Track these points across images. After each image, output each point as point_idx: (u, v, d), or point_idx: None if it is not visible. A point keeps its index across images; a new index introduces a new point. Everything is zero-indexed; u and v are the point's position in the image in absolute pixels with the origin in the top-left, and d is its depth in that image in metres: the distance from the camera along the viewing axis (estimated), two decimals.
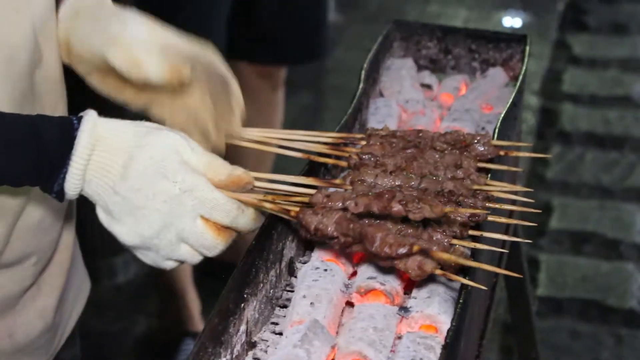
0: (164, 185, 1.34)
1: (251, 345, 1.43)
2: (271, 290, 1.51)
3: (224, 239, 1.39)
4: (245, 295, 1.41)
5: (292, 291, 1.54)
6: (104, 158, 1.34)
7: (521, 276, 1.36)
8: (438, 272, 1.37)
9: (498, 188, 1.58)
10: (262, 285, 1.47)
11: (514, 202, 1.72)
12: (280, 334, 1.45)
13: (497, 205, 1.54)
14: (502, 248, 2.00)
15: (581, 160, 4.70)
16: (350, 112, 1.84)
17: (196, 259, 1.40)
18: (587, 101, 5.18)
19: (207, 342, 1.29)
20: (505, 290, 2.58)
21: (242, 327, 1.40)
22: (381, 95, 2.11)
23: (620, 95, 5.23)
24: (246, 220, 1.40)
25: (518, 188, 1.63)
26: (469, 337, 1.56)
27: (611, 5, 6.23)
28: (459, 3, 6.24)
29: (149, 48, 1.47)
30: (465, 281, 1.37)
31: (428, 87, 2.16)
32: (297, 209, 1.44)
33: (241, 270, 1.40)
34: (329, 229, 1.39)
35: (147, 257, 1.40)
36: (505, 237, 1.62)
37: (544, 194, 4.40)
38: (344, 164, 1.65)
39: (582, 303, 3.81)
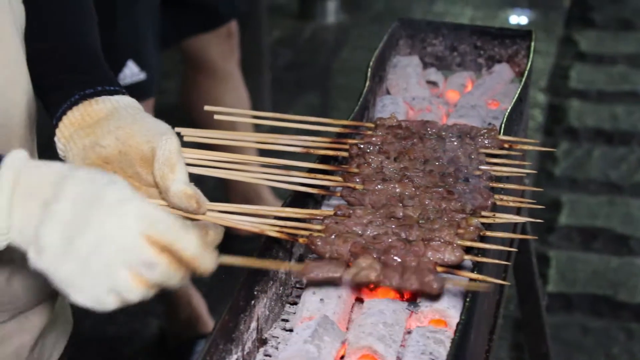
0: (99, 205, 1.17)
1: (262, 342, 1.44)
2: (281, 288, 1.51)
3: (165, 258, 1.17)
4: (255, 293, 1.41)
5: (302, 288, 1.55)
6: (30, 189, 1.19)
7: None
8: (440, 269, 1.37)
9: (505, 173, 1.59)
10: (272, 282, 1.47)
11: (521, 195, 1.73)
12: (291, 330, 1.46)
13: (501, 185, 1.56)
14: (510, 245, 2.01)
15: (589, 156, 4.70)
16: (357, 110, 1.84)
17: (137, 290, 1.18)
18: (594, 97, 5.18)
19: (218, 339, 1.30)
20: (515, 286, 2.58)
21: (253, 324, 1.41)
22: (388, 92, 2.12)
23: (627, 90, 5.23)
24: (190, 241, 1.18)
25: (523, 171, 1.64)
26: (479, 331, 1.56)
27: (617, 1, 6.23)
28: (465, 2, 6.25)
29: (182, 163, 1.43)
30: (474, 275, 1.38)
31: (434, 84, 2.16)
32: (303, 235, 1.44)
33: (251, 268, 1.41)
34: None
35: (84, 292, 1.19)
36: (514, 232, 1.62)
37: (552, 191, 4.40)
38: (345, 154, 1.66)
39: (593, 298, 3.81)
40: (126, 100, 1.50)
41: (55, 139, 1.48)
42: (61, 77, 1.52)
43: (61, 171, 1.19)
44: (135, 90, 3.27)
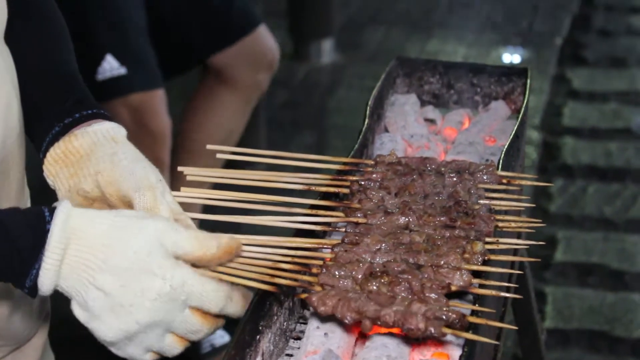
0: (153, 282, 1.29)
1: None
2: (285, 323, 1.53)
3: (209, 324, 1.35)
4: (260, 328, 1.43)
5: (306, 323, 1.56)
6: (81, 252, 1.29)
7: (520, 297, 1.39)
8: (446, 330, 1.37)
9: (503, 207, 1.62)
10: (276, 317, 1.49)
11: (519, 236, 1.75)
12: None
13: (500, 217, 1.59)
14: (509, 280, 2.03)
15: (584, 193, 4.72)
16: (356, 147, 1.87)
17: (175, 350, 1.36)
18: (587, 134, 5.22)
19: None
20: (514, 322, 2.60)
21: (258, 359, 1.42)
22: (386, 130, 2.14)
23: (620, 127, 5.27)
24: (234, 307, 1.36)
25: (522, 205, 1.67)
26: None
27: (609, 39, 6.28)
28: (458, 41, 6.29)
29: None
30: (470, 336, 1.38)
31: (432, 121, 2.19)
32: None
33: (256, 303, 1.43)
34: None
35: (125, 352, 1.34)
36: (516, 251, 1.64)
37: (548, 228, 4.42)
38: (346, 191, 1.68)
39: (590, 334, 3.82)
40: (105, 129, 1.50)
41: (44, 173, 1.51)
42: (40, 107, 1.54)
43: (109, 242, 1.29)
44: (115, 85, 3.21)
